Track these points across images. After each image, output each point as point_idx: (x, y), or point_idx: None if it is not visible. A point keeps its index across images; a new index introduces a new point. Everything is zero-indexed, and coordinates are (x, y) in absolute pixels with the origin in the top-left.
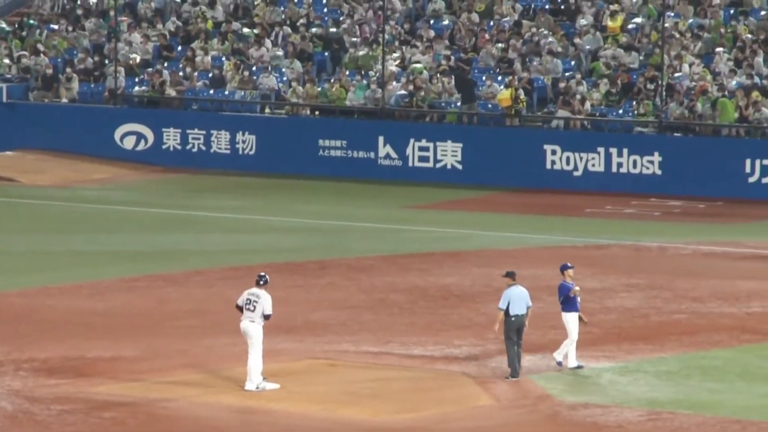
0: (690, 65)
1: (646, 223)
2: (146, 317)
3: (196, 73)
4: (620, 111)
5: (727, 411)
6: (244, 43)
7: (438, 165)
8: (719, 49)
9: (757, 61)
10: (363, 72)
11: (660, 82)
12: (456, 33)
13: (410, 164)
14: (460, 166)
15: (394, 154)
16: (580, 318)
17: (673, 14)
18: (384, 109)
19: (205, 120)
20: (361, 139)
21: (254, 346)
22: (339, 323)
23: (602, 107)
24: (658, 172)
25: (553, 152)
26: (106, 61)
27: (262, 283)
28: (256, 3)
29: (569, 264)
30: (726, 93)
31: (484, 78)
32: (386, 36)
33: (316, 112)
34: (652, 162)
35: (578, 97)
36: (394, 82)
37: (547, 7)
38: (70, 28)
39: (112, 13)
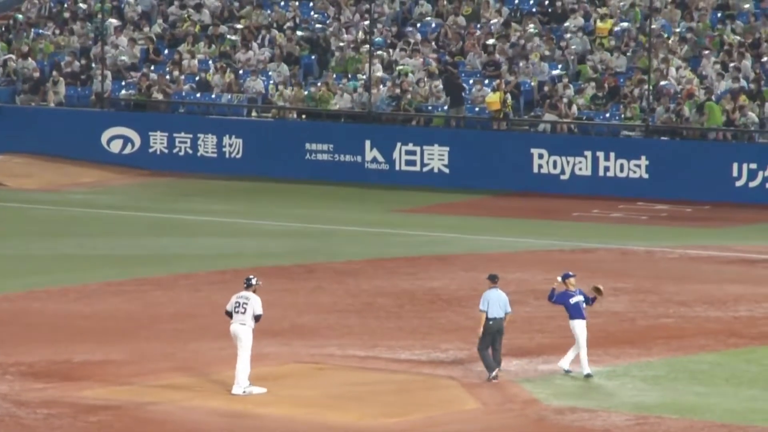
0: (677, 69)
1: (633, 227)
2: (133, 321)
3: (182, 77)
4: (607, 115)
5: (714, 415)
6: (230, 47)
7: (425, 169)
8: (706, 52)
9: (745, 65)
10: (350, 75)
11: (647, 85)
12: (443, 36)
13: (397, 168)
14: (447, 170)
15: (381, 158)
16: (597, 290)
17: (660, 18)
18: (371, 112)
19: (191, 123)
20: (348, 142)
21: (243, 349)
22: (326, 327)
23: (589, 111)
24: (645, 175)
25: (540, 156)
26: (93, 65)
27: (248, 285)
28: (242, 6)
29: (570, 273)
30: (713, 97)
31: (471, 81)
32: (373, 39)
33: (303, 116)
34: (639, 166)
35: (565, 100)
36: (381, 86)
37: (534, 10)
38: (57, 32)
39: (99, 16)
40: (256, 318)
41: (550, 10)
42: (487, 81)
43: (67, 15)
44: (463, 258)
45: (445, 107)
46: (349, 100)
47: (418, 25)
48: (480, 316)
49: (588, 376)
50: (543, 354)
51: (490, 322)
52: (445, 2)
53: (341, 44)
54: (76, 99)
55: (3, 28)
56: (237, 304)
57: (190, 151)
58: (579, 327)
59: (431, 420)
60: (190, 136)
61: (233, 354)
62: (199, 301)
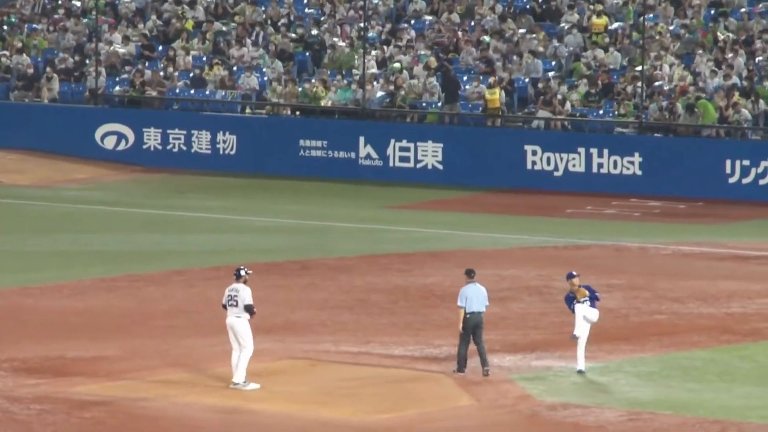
0: (670, 66)
1: (627, 223)
2: (127, 317)
3: (176, 73)
4: (601, 111)
5: (707, 411)
6: (224, 43)
7: (419, 165)
8: (700, 52)
9: (738, 62)
10: (344, 72)
11: (641, 82)
12: (437, 33)
13: (391, 164)
14: (440, 167)
15: (374, 155)
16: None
17: (653, 15)
18: (365, 109)
19: (185, 120)
20: (342, 139)
21: (244, 340)
22: (319, 323)
23: (583, 108)
24: (639, 172)
25: (534, 152)
26: (87, 61)
27: (237, 277)
28: (236, 3)
29: (574, 272)
30: (705, 95)
31: (465, 78)
32: (367, 36)
33: (297, 112)
34: (632, 162)
35: (559, 97)
36: (375, 83)
37: (528, 7)
38: (51, 28)
39: (93, 13)
40: (246, 308)
41: (544, 7)
42: (481, 77)
43: (61, 12)
44: (456, 254)
45: (439, 104)
46: (344, 98)
47: (413, 22)
48: (459, 312)
49: (580, 372)
50: (536, 350)
51: (468, 316)
52: None
53: (335, 41)
54: (70, 95)
55: None
56: (229, 297)
57: (184, 148)
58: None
59: (424, 416)
60: (184, 132)
61: (227, 350)
62: (192, 297)
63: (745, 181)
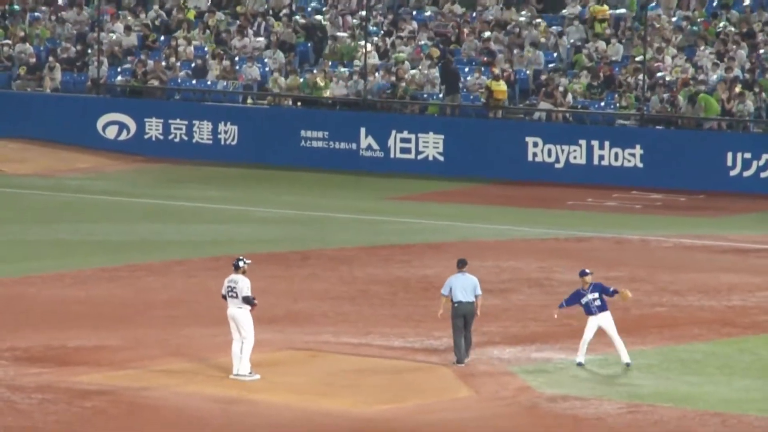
0: (672, 58)
1: (628, 215)
2: (128, 307)
3: (178, 63)
4: (602, 103)
5: (707, 404)
6: (226, 33)
7: (420, 156)
8: (702, 47)
9: (740, 54)
10: (345, 62)
11: (642, 75)
12: (438, 24)
13: (392, 156)
14: (441, 158)
15: (375, 146)
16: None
17: (655, 3)
18: (366, 100)
19: (187, 110)
20: (343, 130)
21: (245, 334)
22: (320, 314)
23: (584, 99)
24: (640, 164)
25: (535, 144)
26: (89, 51)
27: (236, 268)
28: None
29: (587, 270)
30: (706, 87)
31: (466, 70)
32: (369, 26)
33: (298, 103)
34: (633, 155)
35: (560, 89)
36: (377, 73)
37: None
38: (53, 17)
39: (95, 2)
40: (245, 300)
41: None
42: (483, 69)
43: (63, 1)
44: (457, 246)
45: (440, 95)
46: (344, 86)
47: (414, 12)
48: (440, 300)
49: (580, 364)
50: (536, 342)
51: (456, 305)
52: None
53: (340, 34)
54: (72, 85)
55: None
56: (229, 289)
57: (186, 138)
58: (591, 323)
59: (424, 407)
60: (186, 122)
61: (227, 340)
62: (193, 287)
63: (746, 173)
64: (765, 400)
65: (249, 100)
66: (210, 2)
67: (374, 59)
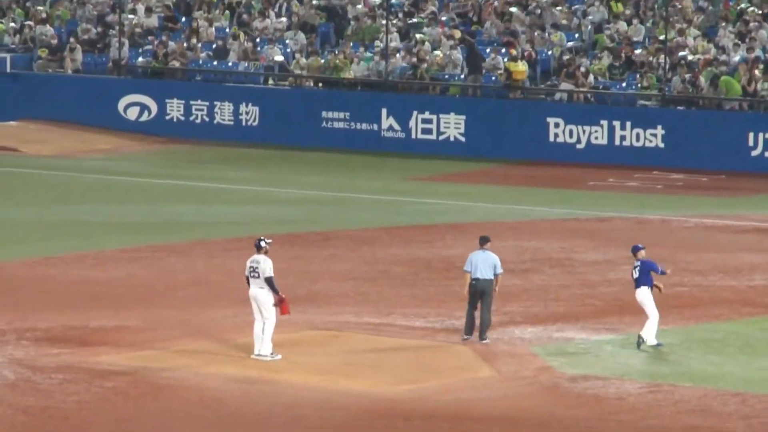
0: (694, 38)
1: (649, 195)
2: (149, 288)
3: (199, 44)
4: (624, 84)
5: (728, 384)
6: (247, 14)
7: (441, 137)
8: (723, 24)
9: (761, 35)
10: (366, 44)
11: (664, 55)
12: (460, 4)
13: (413, 136)
14: (463, 139)
15: (397, 126)
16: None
17: None
18: (387, 81)
19: (208, 91)
20: (365, 111)
21: (267, 314)
22: (341, 294)
23: (606, 80)
24: (661, 145)
25: (556, 125)
26: (110, 32)
27: (258, 248)
28: None
29: (640, 245)
30: (727, 68)
31: (488, 50)
32: (390, 7)
33: (320, 84)
34: (655, 135)
35: (582, 69)
36: (398, 54)
37: None
38: None
39: None
40: (266, 281)
41: None
42: (503, 50)
43: None
44: (478, 226)
45: (462, 76)
46: (365, 68)
47: None
48: (464, 277)
49: (659, 345)
50: (558, 322)
51: (473, 282)
52: None
53: (360, 9)
54: (93, 66)
55: None
56: (251, 269)
57: (207, 119)
58: (638, 295)
59: (445, 387)
60: (207, 103)
61: (248, 321)
62: (214, 268)
63: (767, 154)
64: None
65: (270, 82)
66: None
67: (396, 42)
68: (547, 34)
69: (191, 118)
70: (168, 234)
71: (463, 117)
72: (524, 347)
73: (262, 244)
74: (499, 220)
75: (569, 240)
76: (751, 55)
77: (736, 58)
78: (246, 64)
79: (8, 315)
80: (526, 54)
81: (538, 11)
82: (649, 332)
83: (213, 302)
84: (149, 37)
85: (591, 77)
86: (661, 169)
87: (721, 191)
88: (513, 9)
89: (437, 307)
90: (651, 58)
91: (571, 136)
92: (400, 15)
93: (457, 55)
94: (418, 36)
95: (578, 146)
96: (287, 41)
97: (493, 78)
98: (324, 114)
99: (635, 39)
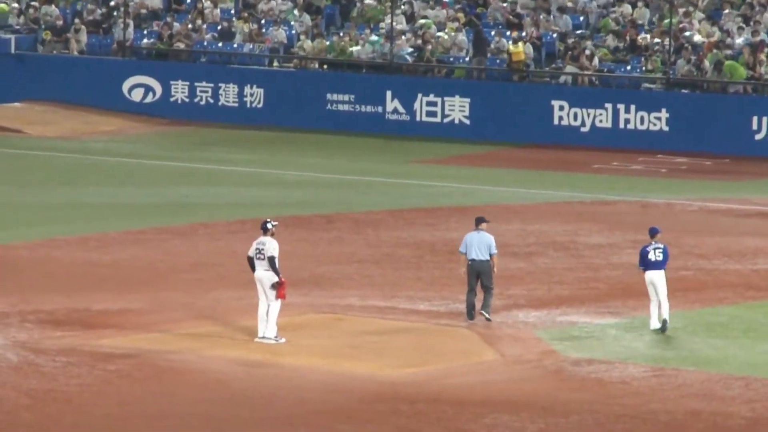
0: (699, 22)
1: (653, 179)
2: (152, 270)
3: (204, 26)
4: (628, 67)
5: (732, 367)
6: None
7: (446, 120)
8: (726, 11)
9: (766, 18)
10: (372, 26)
11: (668, 38)
12: None
13: (418, 119)
14: (467, 121)
15: (401, 109)
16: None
17: None
18: (392, 63)
19: (213, 73)
20: (369, 93)
21: (272, 296)
22: (345, 277)
23: (610, 63)
24: (666, 128)
25: (561, 108)
26: (115, 13)
27: (264, 230)
28: None
29: (659, 228)
30: (732, 51)
31: (493, 33)
32: None
33: (325, 66)
34: (659, 118)
35: (587, 53)
36: (403, 37)
37: None
38: None
39: None
40: (269, 259)
41: None
42: (508, 33)
43: None
44: (482, 209)
45: (467, 59)
46: (370, 50)
47: None
48: (459, 258)
49: (659, 329)
50: (561, 306)
51: (470, 263)
52: None
53: None
54: (97, 47)
55: None
56: (257, 251)
57: (211, 101)
58: (656, 277)
59: (449, 370)
60: (212, 85)
61: (252, 303)
62: (218, 250)
63: None
64: None
65: (275, 63)
66: None
67: (401, 24)
68: (552, 17)
69: (196, 100)
70: (172, 216)
71: (468, 100)
72: (528, 331)
73: (269, 226)
74: (503, 203)
75: (573, 223)
76: (755, 39)
77: (741, 41)
78: (251, 46)
79: (11, 297)
80: (532, 35)
81: None
82: (664, 315)
83: (217, 285)
84: (155, 20)
85: (596, 60)
86: (666, 153)
87: (725, 175)
88: None
89: (441, 290)
90: (655, 42)
91: (575, 119)
92: None
93: (462, 37)
94: (425, 20)
95: (583, 129)
96: (292, 23)
97: (498, 61)
98: (329, 96)
99: (640, 22)
